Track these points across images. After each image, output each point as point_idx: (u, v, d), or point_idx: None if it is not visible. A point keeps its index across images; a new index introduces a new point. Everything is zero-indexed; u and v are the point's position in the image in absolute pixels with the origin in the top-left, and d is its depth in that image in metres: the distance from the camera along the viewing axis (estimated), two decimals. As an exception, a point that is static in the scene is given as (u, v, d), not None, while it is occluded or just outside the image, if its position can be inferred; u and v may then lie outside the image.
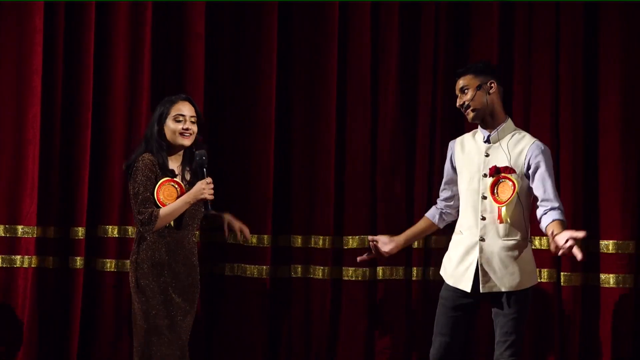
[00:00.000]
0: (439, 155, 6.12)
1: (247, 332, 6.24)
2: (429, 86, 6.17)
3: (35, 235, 6.18)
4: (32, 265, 6.17)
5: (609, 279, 5.95)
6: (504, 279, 4.96)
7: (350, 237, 6.19)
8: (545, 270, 5.97)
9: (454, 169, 5.17)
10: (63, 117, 6.26)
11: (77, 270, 6.18)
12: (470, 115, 5.03)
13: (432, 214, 5.29)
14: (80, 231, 6.19)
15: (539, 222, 4.95)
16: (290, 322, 6.28)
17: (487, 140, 5.04)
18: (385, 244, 5.26)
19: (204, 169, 5.11)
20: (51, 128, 6.24)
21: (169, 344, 5.00)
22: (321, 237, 6.21)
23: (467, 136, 5.19)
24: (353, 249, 6.18)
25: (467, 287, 5.00)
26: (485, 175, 5.00)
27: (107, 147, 6.24)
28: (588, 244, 5.97)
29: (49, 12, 6.24)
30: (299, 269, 6.25)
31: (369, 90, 6.22)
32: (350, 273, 6.20)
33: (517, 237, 4.98)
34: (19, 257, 6.20)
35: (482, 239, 4.99)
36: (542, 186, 4.93)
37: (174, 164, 5.14)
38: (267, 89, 6.24)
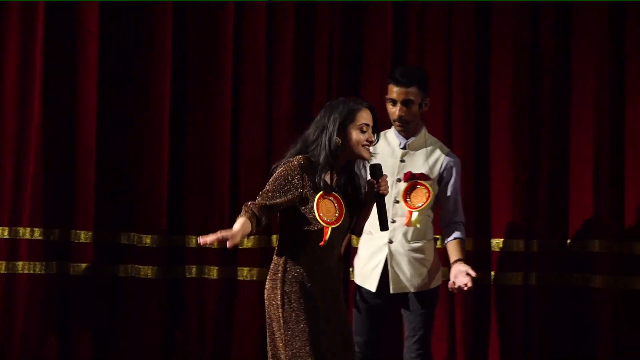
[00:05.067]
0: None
1: (142, 333, 6.19)
2: (324, 86, 6.20)
3: None
4: None
5: (501, 277, 6.05)
6: (413, 280, 5.11)
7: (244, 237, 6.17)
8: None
9: (365, 168, 5.20)
10: (-49, 116, 6.16)
11: (-35, 272, 6.08)
12: (401, 127, 5.11)
13: None
14: (-31, 232, 6.10)
15: (441, 229, 5.20)
16: (185, 322, 6.24)
17: (404, 147, 5.13)
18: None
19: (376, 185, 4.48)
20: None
21: None
22: (216, 237, 6.18)
23: None
24: (248, 249, 6.18)
25: (372, 286, 5.12)
26: (399, 180, 5.10)
27: (-3, 146, 6.15)
28: (479, 243, 6.06)
29: None
30: (194, 269, 6.21)
31: (264, 89, 6.21)
32: (245, 273, 6.19)
33: (424, 240, 5.15)
34: None
35: (390, 241, 5.11)
36: (451, 198, 5.16)
37: (328, 176, 4.50)
38: (161, 89, 6.20)
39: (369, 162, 4.52)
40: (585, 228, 6.01)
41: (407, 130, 5.13)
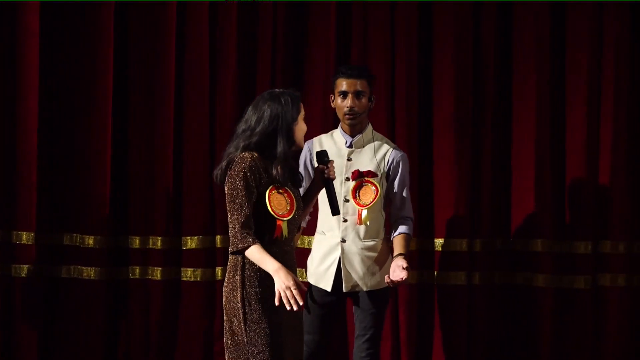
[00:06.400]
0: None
1: (85, 335, 6.16)
2: (267, 84, 6.17)
3: None
4: None
5: (445, 277, 6.08)
6: (365, 279, 5.14)
7: (189, 237, 6.15)
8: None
9: (313, 168, 5.23)
10: None
11: None
12: (351, 121, 5.15)
13: None
14: None
15: (390, 225, 5.21)
16: (129, 323, 6.21)
17: (350, 145, 5.15)
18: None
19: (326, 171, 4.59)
20: None
21: None
22: (159, 238, 6.16)
23: (324, 137, 5.29)
24: (192, 249, 6.15)
25: (327, 286, 5.15)
26: (347, 179, 5.14)
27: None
28: (423, 243, 6.08)
29: None
30: (137, 270, 6.19)
31: (207, 90, 6.19)
32: (189, 274, 6.17)
33: (377, 239, 5.18)
34: None
35: (343, 240, 5.14)
36: (398, 193, 5.19)
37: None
38: (104, 88, 6.16)
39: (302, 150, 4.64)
40: (527, 227, 6.05)
41: (356, 125, 5.16)
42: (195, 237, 6.14)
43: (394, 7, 6.11)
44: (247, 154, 4.37)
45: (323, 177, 4.61)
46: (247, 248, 4.32)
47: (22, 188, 6.13)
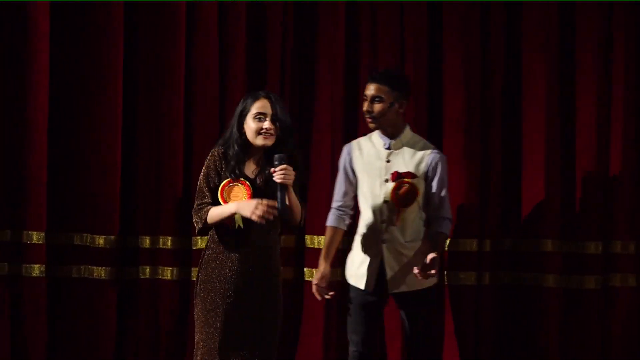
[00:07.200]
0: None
1: (95, 334, 6.18)
2: (276, 86, 6.19)
3: None
4: None
5: (455, 277, 6.08)
6: (409, 279, 5.15)
7: (199, 237, 6.15)
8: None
9: (352, 171, 5.26)
10: None
11: None
12: (372, 125, 5.18)
13: (335, 221, 5.34)
14: None
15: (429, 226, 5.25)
16: (138, 323, 6.22)
17: (389, 147, 5.18)
18: (326, 286, 5.28)
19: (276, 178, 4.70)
20: None
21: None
22: (170, 238, 6.17)
23: (362, 140, 5.32)
24: (202, 249, 6.13)
25: (369, 286, 5.18)
26: (387, 181, 5.16)
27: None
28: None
29: None
30: (147, 270, 6.20)
31: (217, 90, 6.20)
32: (199, 273, 6.18)
33: (418, 239, 5.20)
34: None
35: (384, 241, 5.16)
36: (436, 194, 5.22)
37: (252, 165, 4.81)
38: (113, 88, 6.18)
39: (270, 149, 4.75)
40: (537, 227, 6.05)
41: (383, 128, 5.18)
42: (206, 237, 6.13)
43: (403, 8, 6.12)
44: (215, 149, 4.82)
45: (272, 178, 4.71)
46: (206, 214, 4.73)
47: (33, 188, 6.15)
